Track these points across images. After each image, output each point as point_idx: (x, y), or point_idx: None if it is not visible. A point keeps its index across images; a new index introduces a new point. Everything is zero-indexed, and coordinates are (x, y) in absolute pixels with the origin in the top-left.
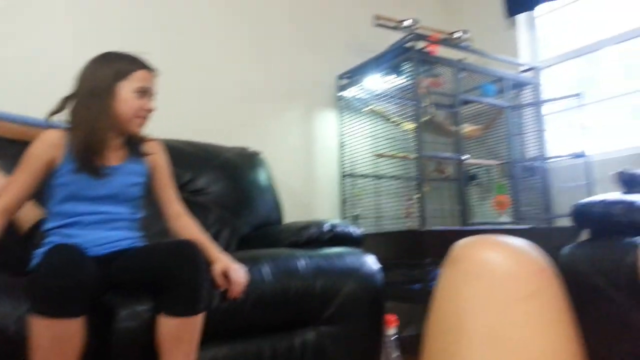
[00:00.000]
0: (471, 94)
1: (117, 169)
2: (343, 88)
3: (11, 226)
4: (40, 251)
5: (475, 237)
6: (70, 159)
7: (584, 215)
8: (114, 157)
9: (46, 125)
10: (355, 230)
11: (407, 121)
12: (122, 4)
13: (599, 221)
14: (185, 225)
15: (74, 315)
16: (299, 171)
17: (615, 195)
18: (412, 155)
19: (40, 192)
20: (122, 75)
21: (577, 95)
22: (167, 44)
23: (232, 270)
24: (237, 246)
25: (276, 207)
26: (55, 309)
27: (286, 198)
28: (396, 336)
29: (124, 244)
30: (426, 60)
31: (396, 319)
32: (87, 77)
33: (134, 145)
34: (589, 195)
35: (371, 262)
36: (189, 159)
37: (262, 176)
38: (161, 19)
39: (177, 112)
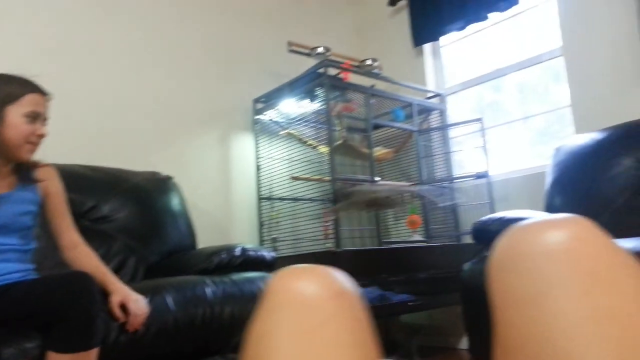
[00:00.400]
0: (382, 118)
1: (6, 197)
2: (259, 112)
3: None
4: None
5: (289, 267)
6: None
7: (482, 232)
8: (2, 185)
9: None
10: (267, 253)
11: (322, 144)
12: (19, 21)
13: (495, 238)
14: (81, 255)
15: None
16: (215, 195)
17: (512, 213)
18: (327, 178)
19: None
20: (12, 99)
21: (478, 120)
22: (75, 66)
23: (131, 302)
24: (145, 275)
25: (189, 233)
26: None
27: (203, 223)
28: None
29: (14, 277)
30: (338, 86)
31: None
32: None
33: (25, 171)
34: (492, 213)
35: None
36: (92, 184)
37: (173, 201)
38: (68, 39)
39: (86, 136)
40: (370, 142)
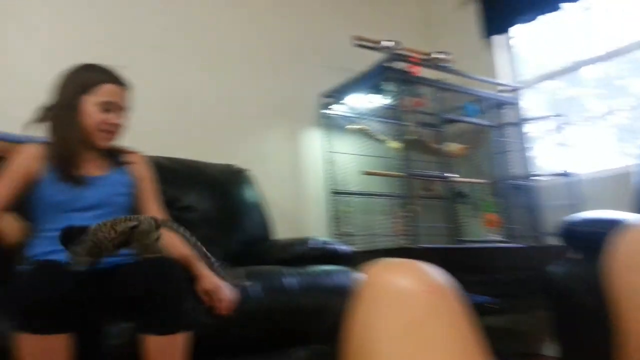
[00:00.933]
0: (454, 113)
1: (101, 179)
2: (326, 106)
3: None
4: (22, 268)
5: (383, 260)
6: (51, 170)
7: (571, 233)
8: (95, 168)
9: (24, 140)
10: (344, 247)
11: (393, 139)
12: (104, 18)
13: (585, 239)
14: (171, 239)
15: (57, 331)
16: (287, 188)
17: (602, 213)
18: (399, 173)
19: (24, 209)
20: (87, 88)
21: (557, 115)
22: (153, 61)
23: (219, 288)
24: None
25: (265, 224)
26: (38, 326)
27: (275, 215)
28: None
29: (111, 261)
30: (407, 80)
31: None
32: (59, 89)
33: (115, 156)
34: (573, 213)
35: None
36: (174, 176)
37: (249, 193)
38: (148, 35)
39: (163, 129)
40: (442, 137)
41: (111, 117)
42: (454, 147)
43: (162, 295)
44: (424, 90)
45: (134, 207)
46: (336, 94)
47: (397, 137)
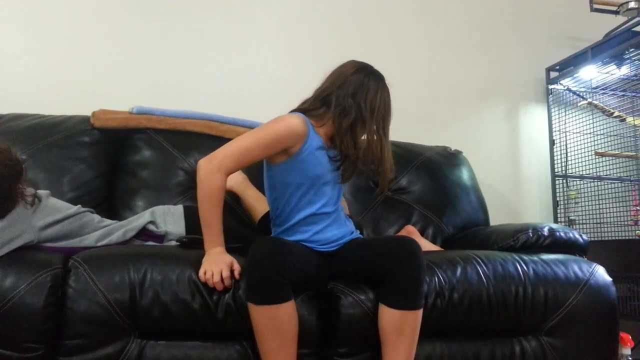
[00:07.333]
0: None
1: None
2: (553, 81)
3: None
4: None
5: None
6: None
7: None
8: None
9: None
10: (579, 236)
11: (635, 116)
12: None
13: None
14: None
15: (281, 300)
16: (503, 171)
17: None
18: None
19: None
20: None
21: None
22: (366, 44)
23: None
24: (442, 246)
25: (481, 208)
26: (263, 297)
27: (489, 200)
28: (631, 358)
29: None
30: None
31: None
32: (342, 85)
33: None
34: None
35: (602, 272)
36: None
37: (464, 176)
38: (361, 22)
39: None
40: None
41: None
42: None
43: (409, 271)
44: None
45: None
46: (565, 67)
47: None
